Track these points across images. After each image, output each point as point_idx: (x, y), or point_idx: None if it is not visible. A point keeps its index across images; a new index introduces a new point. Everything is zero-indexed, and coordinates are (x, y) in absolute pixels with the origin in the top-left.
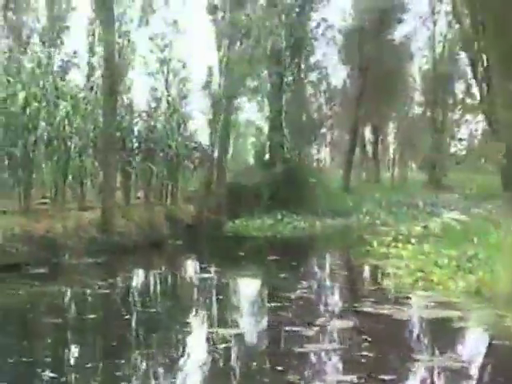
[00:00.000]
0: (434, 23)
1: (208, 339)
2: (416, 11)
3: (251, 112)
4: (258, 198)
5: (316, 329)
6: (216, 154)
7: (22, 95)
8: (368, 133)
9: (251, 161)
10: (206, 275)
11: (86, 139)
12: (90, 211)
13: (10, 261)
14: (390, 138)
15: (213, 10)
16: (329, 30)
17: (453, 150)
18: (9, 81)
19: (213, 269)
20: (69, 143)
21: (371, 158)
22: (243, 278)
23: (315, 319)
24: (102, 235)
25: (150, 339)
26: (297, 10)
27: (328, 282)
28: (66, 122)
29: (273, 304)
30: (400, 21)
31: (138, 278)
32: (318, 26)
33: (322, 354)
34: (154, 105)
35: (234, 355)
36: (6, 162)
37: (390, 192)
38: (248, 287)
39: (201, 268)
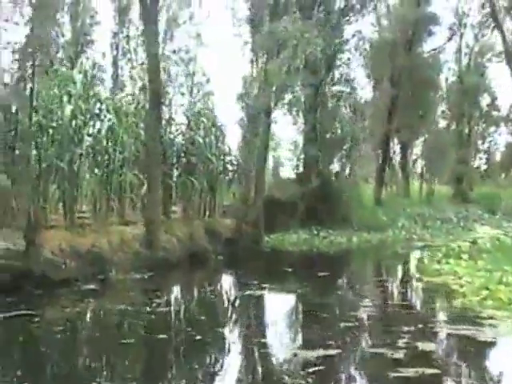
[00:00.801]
0: (461, 36)
1: (293, 362)
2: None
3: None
4: (293, 212)
5: (403, 351)
6: (253, 168)
7: (69, 108)
8: (396, 146)
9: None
10: (261, 293)
11: (129, 152)
12: (132, 226)
13: (61, 276)
14: (417, 152)
15: (250, 21)
16: (361, 42)
17: (477, 163)
18: (55, 94)
19: (265, 286)
20: (112, 156)
21: (399, 172)
22: (301, 296)
23: (396, 340)
24: (146, 250)
25: (234, 361)
26: (333, 22)
27: (390, 301)
28: (110, 134)
29: (344, 324)
30: (431, 33)
31: (193, 295)
32: (353, 37)
33: (423, 380)
34: (192, 118)
35: (328, 380)
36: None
37: (421, 206)
38: (310, 306)
39: (253, 285)
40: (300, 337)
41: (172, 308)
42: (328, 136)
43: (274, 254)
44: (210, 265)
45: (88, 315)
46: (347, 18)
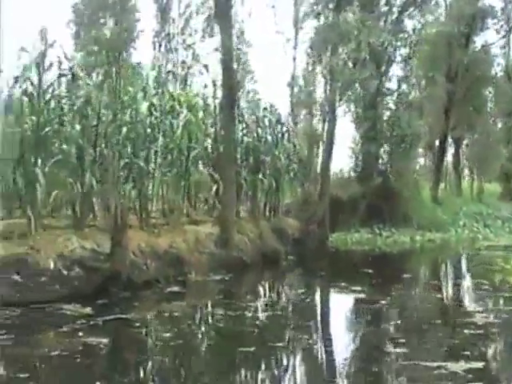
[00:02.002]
0: (510, 30)
1: (444, 376)
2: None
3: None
4: (355, 210)
5: None
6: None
7: (145, 105)
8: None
9: None
10: (358, 296)
11: (202, 151)
12: (202, 225)
13: (143, 278)
14: (466, 149)
15: (315, 15)
16: (416, 37)
17: None
18: (129, 91)
19: (356, 288)
20: (186, 154)
21: (451, 169)
22: (401, 300)
23: None
24: (221, 250)
25: (373, 377)
26: (395, 16)
27: (497, 305)
28: (185, 132)
29: (469, 331)
30: (483, 28)
31: (286, 298)
32: (414, 32)
33: None
34: (258, 115)
35: None
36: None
37: (476, 204)
38: (417, 310)
39: (342, 287)
40: (430, 346)
41: (272, 313)
42: (388, 133)
43: (342, 254)
44: (283, 265)
45: (188, 320)
46: (408, 12)
